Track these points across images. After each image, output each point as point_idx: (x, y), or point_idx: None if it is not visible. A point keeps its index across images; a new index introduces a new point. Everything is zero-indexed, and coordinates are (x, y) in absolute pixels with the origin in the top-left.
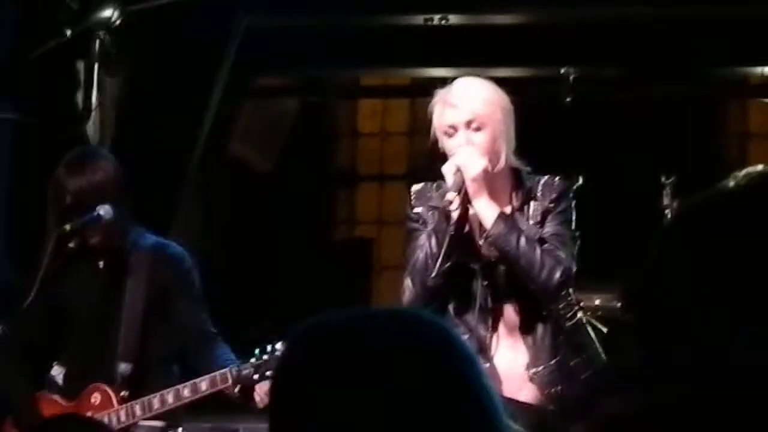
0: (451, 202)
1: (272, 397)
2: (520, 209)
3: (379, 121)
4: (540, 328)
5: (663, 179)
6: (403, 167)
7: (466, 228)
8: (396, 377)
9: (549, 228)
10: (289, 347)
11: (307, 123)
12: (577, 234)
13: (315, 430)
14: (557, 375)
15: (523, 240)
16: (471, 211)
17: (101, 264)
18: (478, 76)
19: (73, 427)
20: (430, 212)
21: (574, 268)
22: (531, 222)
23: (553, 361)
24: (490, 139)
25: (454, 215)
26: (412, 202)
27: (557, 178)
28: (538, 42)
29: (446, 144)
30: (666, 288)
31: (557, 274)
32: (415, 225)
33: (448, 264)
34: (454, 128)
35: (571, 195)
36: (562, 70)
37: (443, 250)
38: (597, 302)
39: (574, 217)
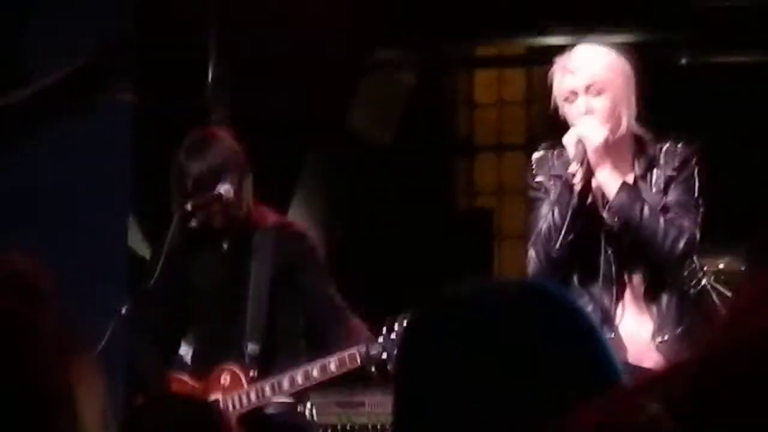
0: (574, 175)
1: (397, 373)
2: (643, 177)
3: (496, 91)
4: (665, 297)
5: None
6: (520, 136)
7: (590, 199)
8: (517, 351)
9: (672, 196)
10: (413, 323)
11: (423, 95)
12: (701, 201)
13: (438, 404)
14: (683, 344)
15: (646, 210)
16: (594, 182)
17: (225, 245)
18: (594, 42)
19: (185, 407)
20: (552, 181)
21: (698, 236)
22: (654, 190)
23: (678, 330)
24: (611, 105)
25: (577, 186)
26: (534, 171)
27: (680, 145)
28: (654, 5)
29: (567, 111)
30: None
31: (681, 244)
32: (538, 194)
33: (572, 236)
34: (574, 93)
35: (694, 161)
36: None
37: (566, 222)
38: (721, 266)
39: (697, 184)
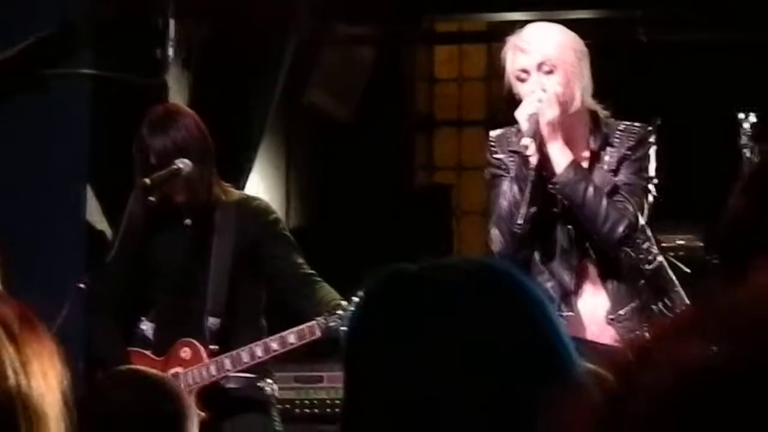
0: (527, 147)
1: (347, 347)
2: (597, 155)
3: (456, 67)
4: (620, 273)
5: (740, 118)
6: (480, 112)
7: (546, 173)
8: (464, 325)
9: (622, 176)
10: (365, 297)
11: (384, 70)
12: (655, 181)
13: (385, 381)
14: (637, 319)
15: (590, 190)
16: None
17: (188, 221)
18: (554, 18)
19: (139, 380)
20: (511, 158)
21: (642, 221)
22: (606, 168)
23: (632, 305)
24: (563, 82)
25: (533, 160)
26: (493, 148)
27: (636, 125)
28: None
29: (520, 89)
30: (755, 227)
31: (620, 228)
32: (497, 171)
33: (533, 210)
34: (526, 72)
35: (649, 141)
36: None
37: (525, 196)
38: (679, 242)
39: (651, 165)
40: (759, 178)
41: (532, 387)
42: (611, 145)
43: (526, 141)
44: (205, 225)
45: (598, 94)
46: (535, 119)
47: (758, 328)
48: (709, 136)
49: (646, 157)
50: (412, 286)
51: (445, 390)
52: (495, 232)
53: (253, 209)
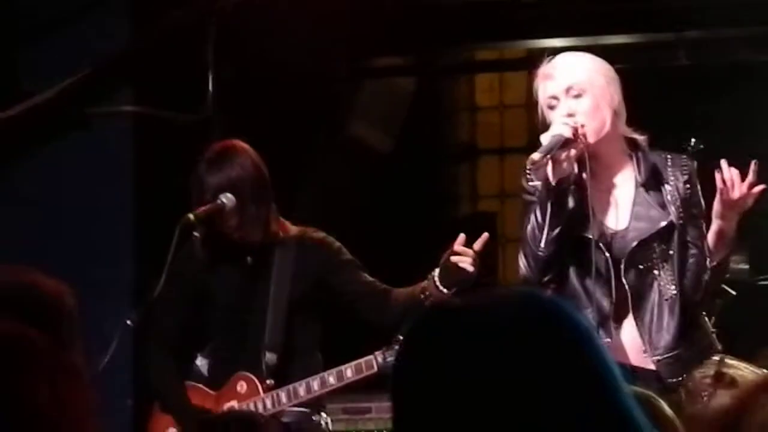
0: (534, 162)
1: (394, 384)
2: (647, 185)
3: (497, 95)
4: (658, 305)
5: None
6: (522, 140)
7: (572, 198)
8: (507, 360)
9: (692, 226)
10: (408, 333)
11: (425, 100)
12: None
13: (429, 417)
14: (676, 363)
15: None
16: (578, 180)
17: (249, 259)
18: (593, 44)
19: (236, 421)
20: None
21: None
22: (672, 208)
23: (671, 346)
24: (593, 105)
25: (552, 181)
26: (528, 176)
27: (683, 157)
28: (652, 5)
29: (551, 117)
30: None
31: (703, 285)
32: (531, 198)
33: (555, 233)
34: (556, 98)
35: (695, 173)
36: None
37: (547, 219)
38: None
39: (702, 200)
40: None
41: (580, 417)
42: (665, 178)
43: (536, 156)
44: (264, 262)
45: (638, 119)
46: (556, 139)
47: None
48: (749, 159)
49: (698, 191)
50: (454, 321)
51: (490, 427)
52: (521, 257)
53: (313, 243)
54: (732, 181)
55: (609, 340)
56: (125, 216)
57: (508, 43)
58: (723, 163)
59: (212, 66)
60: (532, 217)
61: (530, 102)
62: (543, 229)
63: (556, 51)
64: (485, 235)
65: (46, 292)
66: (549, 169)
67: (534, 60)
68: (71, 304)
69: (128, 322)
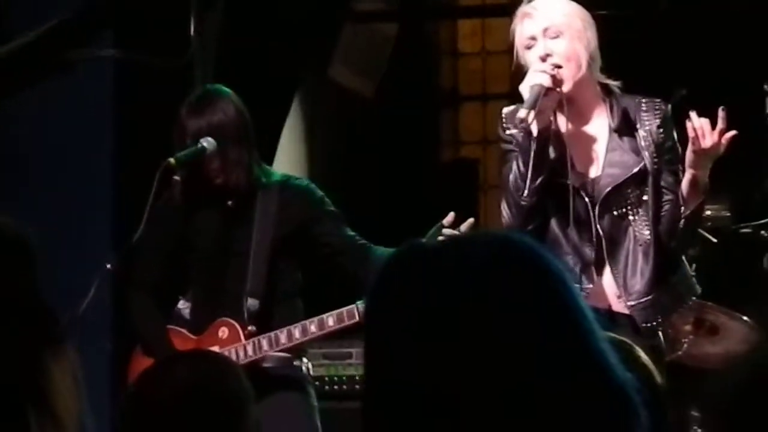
0: (522, 120)
1: (367, 315)
2: (620, 131)
3: (480, 41)
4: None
5: (766, 88)
6: (505, 86)
7: (551, 144)
8: (483, 298)
9: (667, 172)
10: (384, 268)
11: (407, 46)
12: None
13: (407, 350)
14: (652, 310)
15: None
16: (555, 126)
17: (230, 203)
18: None
19: (204, 362)
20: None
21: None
22: (646, 153)
23: (644, 291)
24: (569, 46)
25: (534, 131)
26: (504, 124)
27: (657, 100)
28: None
29: (528, 58)
30: None
31: (675, 238)
32: (509, 146)
33: (538, 181)
34: (533, 38)
35: (671, 117)
36: None
37: (530, 168)
38: (707, 213)
39: (679, 146)
40: None
41: (551, 359)
42: (639, 122)
43: (522, 113)
44: (246, 207)
45: (618, 67)
46: (537, 90)
47: None
48: (734, 106)
49: (674, 135)
50: (430, 256)
51: (457, 354)
52: (503, 206)
53: (296, 190)
54: (702, 129)
55: (591, 285)
56: (106, 160)
57: None
58: (692, 113)
59: (194, 10)
60: (514, 166)
61: (513, 48)
62: (525, 179)
63: None
64: (471, 220)
65: (7, 235)
66: (531, 118)
67: (516, 6)
68: (33, 248)
69: (108, 266)
